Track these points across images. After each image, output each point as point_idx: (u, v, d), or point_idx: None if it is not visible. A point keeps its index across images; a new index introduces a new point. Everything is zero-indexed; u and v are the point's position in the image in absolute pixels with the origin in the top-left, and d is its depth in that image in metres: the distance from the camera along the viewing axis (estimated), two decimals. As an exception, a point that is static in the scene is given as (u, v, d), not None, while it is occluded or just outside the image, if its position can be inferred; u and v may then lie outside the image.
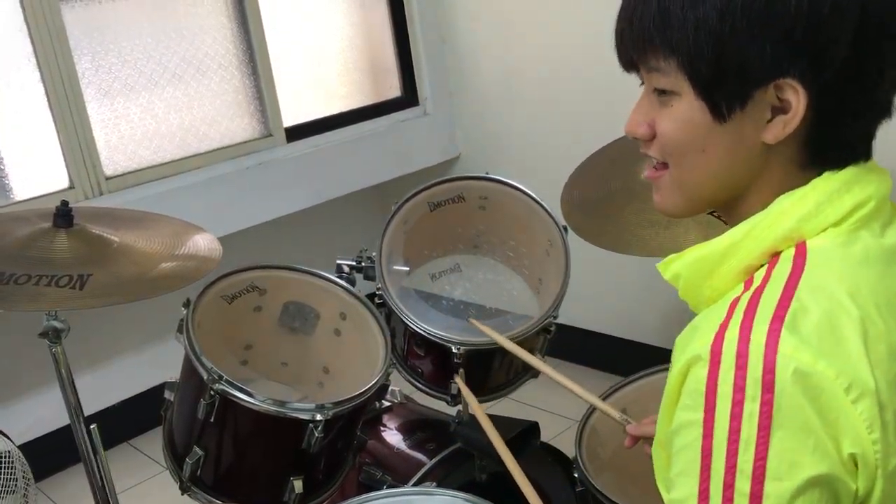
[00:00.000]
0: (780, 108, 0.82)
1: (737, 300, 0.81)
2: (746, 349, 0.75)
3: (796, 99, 0.81)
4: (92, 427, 0.99)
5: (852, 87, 0.81)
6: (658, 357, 1.72)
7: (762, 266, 0.84)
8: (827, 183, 0.83)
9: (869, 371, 0.75)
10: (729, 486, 0.75)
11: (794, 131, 0.82)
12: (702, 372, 0.77)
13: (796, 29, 0.78)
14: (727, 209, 0.91)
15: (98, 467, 1.51)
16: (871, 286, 0.80)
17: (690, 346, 0.80)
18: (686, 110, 0.85)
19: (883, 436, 0.75)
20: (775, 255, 0.84)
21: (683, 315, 0.92)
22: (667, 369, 0.94)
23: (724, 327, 0.78)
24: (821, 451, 0.74)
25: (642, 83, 0.91)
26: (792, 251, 0.83)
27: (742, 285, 0.84)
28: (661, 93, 0.87)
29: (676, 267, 0.89)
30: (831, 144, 0.84)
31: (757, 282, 0.82)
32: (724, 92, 0.83)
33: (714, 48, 0.81)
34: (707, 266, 0.86)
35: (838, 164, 0.84)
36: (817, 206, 0.82)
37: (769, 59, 0.79)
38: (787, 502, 0.74)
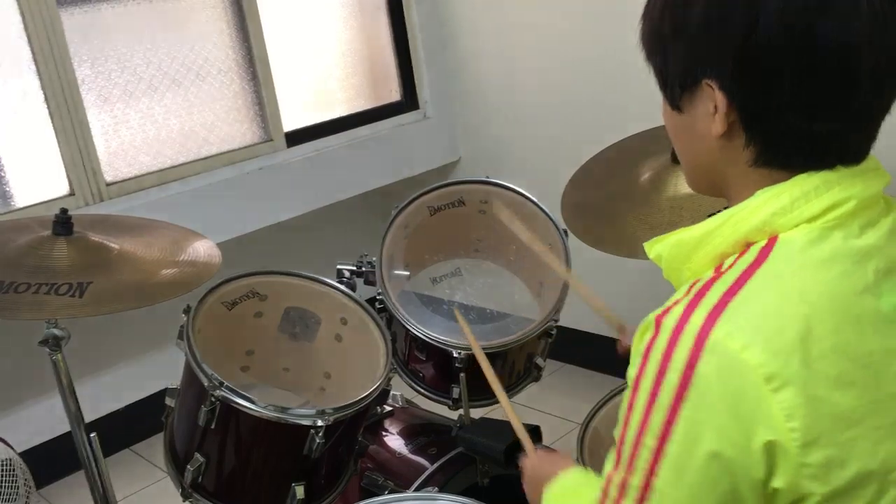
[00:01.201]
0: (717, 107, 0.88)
1: (697, 282, 0.86)
2: (683, 327, 0.81)
3: (719, 100, 0.86)
4: (92, 435, 0.99)
5: (760, 91, 0.84)
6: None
7: (735, 254, 0.88)
8: (806, 181, 0.86)
9: (800, 363, 0.78)
10: (639, 437, 0.84)
11: (735, 130, 0.88)
12: (646, 336, 0.85)
13: (701, 33, 0.86)
14: (720, 196, 0.96)
15: (98, 475, 1.51)
16: (830, 284, 0.82)
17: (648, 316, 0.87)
18: (664, 101, 0.95)
19: (806, 427, 0.78)
20: (748, 246, 0.87)
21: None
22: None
23: (675, 303, 0.85)
24: (723, 433, 0.79)
25: None
26: (763, 243, 0.86)
27: (714, 271, 0.88)
28: None
29: (659, 248, 0.95)
30: (771, 149, 0.87)
31: (724, 268, 0.87)
32: (670, 86, 0.92)
33: (655, 48, 0.92)
34: (685, 250, 0.91)
35: (807, 165, 0.87)
36: (792, 202, 0.85)
37: (687, 61, 0.88)
38: (682, 467, 0.81)
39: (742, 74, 0.84)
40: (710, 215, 0.93)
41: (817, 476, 0.79)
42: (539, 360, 1.86)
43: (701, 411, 0.80)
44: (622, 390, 1.81)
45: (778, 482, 0.80)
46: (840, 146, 0.87)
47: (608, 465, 0.89)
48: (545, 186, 1.89)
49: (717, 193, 0.96)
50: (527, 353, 1.84)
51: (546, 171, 2.42)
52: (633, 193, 1.70)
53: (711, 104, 0.87)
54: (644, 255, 1.59)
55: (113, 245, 1.44)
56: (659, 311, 0.86)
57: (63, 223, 1.40)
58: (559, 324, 1.82)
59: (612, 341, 2.85)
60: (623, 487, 0.86)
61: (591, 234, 1.70)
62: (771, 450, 0.79)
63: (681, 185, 1.66)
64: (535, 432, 1.63)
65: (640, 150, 1.79)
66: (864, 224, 0.86)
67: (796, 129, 0.85)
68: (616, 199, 1.72)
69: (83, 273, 1.34)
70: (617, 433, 0.88)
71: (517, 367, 1.86)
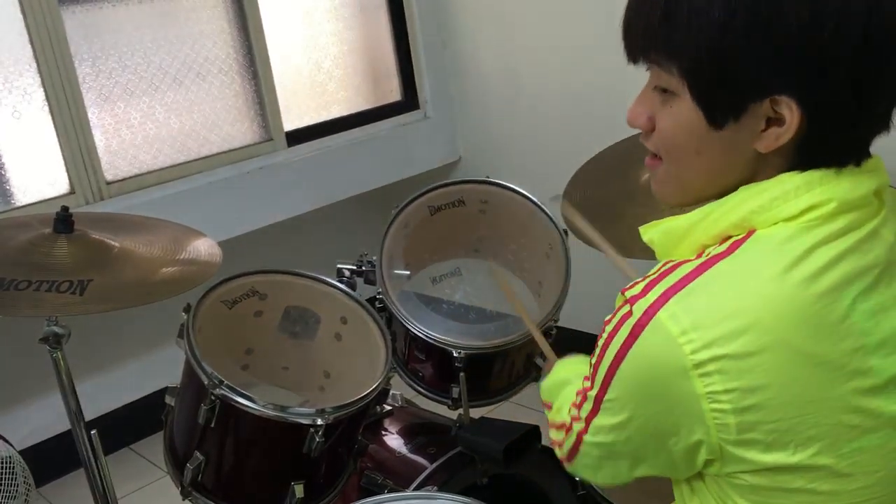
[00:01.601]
0: (775, 120, 0.84)
1: (668, 262, 0.90)
2: (638, 299, 0.86)
3: (790, 114, 0.83)
4: (93, 433, 0.99)
5: (848, 105, 0.83)
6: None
7: (714, 246, 0.90)
8: (789, 179, 0.86)
9: (739, 355, 0.80)
10: (587, 389, 0.95)
11: (788, 141, 0.85)
12: (618, 301, 0.91)
13: (796, 49, 0.80)
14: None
15: (98, 473, 1.51)
16: (793, 284, 0.82)
17: None
18: (684, 113, 0.88)
19: (733, 413, 0.82)
20: (727, 239, 0.88)
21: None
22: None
23: (643, 279, 0.89)
24: (646, 401, 0.87)
25: (648, 68, 0.93)
26: (740, 236, 0.87)
27: (694, 257, 0.90)
28: (663, 91, 0.90)
29: (651, 233, 0.97)
30: (822, 154, 0.86)
31: (702, 258, 0.89)
32: (720, 102, 0.85)
33: (713, 61, 0.83)
34: (673, 238, 0.94)
35: (823, 167, 0.87)
36: (772, 200, 0.86)
37: (766, 77, 0.82)
38: (614, 415, 0.91)
39: (838, 87, 0.81)
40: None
41: (737, 455, 0.85)
42: (539, 361, 1.86)
43: (630, 380, 0.88)
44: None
45: (706, 454, 0.87)
46: (860, 150, 0.88)
47: (580, 381, 1.00)
48: (545, 186, 1.89)
49: (715, 200, 0.94)
50: (526, 354, 1.84)
51: (546, 170, 2.42)
52: (632, 194, 1.71)
53: (764, 118, 0.84)
54: (644, 256, 1.62)
55: (113, 243, 1.44)
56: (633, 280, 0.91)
57: (64, 221, 1.40)
58: (558, 324, 1.82)
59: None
60: (584, 397, 0.97)
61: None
62: (697, 442, 0.86)
63: (681, 186, 1.66)
64: (533, 432, 1.63)
65: (640, 152, 1.79)
66: (846, 226, 0.85)
67: (846, 138, 0.86)
68: (616, 199, 1.73)
69: (84, 271, 1.34)
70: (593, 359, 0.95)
71: (517, 366, 1.86)
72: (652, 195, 1.66)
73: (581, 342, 2.84)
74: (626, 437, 0.92)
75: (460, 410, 1.76)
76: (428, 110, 3.20)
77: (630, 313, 0.87)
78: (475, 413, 1.80)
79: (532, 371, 1.88)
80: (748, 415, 0.82)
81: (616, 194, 1.74)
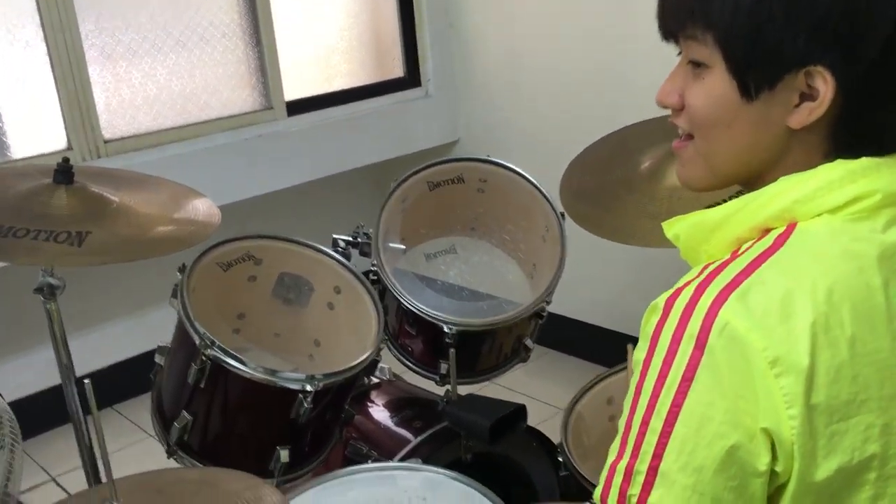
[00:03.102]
0: (809, 95, 0.84)
1: (710, 264, 0.85)
2: (693, 307, 0.80)
3: (825, 87, 0.82)
4: (86, 382, 0.99)
5: (884, 79, 0.82)
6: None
7: (752, 239, 0.87)
8: (832, 170, 0.84)
9: (807, 352, 0.77)
10: (646, 422, 0.82)
11: (820, 118, 0.84)
12: (654, 319, 0.84)
13: (832, 19, 0.80)
14: (748, 187, 0.93)
15: (86, 426, 1.51)
16: (846, 277, 0.80)
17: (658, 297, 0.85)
18: (717, 85, 0.87)
19: (804, 414, 0.77)
20: (766, 231, 0.86)
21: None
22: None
23: (686, 284, 0.83)
24: (731, 415, 0.78)
25: (679, 53, 0.93)
26: (781, 230, 0.84)
27: (730, 254, 0.87)
28: (696, 65, 0.89)
29: (677, 228, 0.93)
30: (857, 134, 0.85)
31: (740, 252, 0.85)
32: (755, 72, 0.84)
33: (750, 30, 0.83)
34: (703, 231, 0.90)
35: (860, 153, 0.85)
36: (815, 191, 0.83)
37: (802, 47, 0.81)
38: (690, 450, 0.79)
39: (874, 62, 0.80)
40: (715, 204, 0.92)
41: (807, 465, 0.79)
42: (528, 342, 1.87)
43: (709, 392, 0.79)
44: (607, 377, 1.83)
45: (778, 466, 0.79)
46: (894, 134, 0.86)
47: (611, 456, 0.86)
48: (544, 170, 1.89)
49: (744, 185, 0.93)
50: (517, 334, 1.85)
51: (546, 155, 2.42)
52: (632, 180, 1.71)
53: (797, 92, 0.83)
54: (641, 243, 1.63)
55: (113, 197, 1.44)
56: (669, 292, 0.84)
57: (64, 172, 1.39)
58: (548, 310, 1.83)
59: (599, 330, 2.88)
60: (628, 474, 0.83)
61: (588, 218, 1.70)
62: (769, 436, 0.78)
63: (681, 176, 1.67)
64: (520, 412, 1.64)
65: (641, 138, 1.80)
66: (889, 220, 0.84)
67: (883, 117, 0.84)
68: (615, 185, 1.73)
69: (82, 223, 1.34)
70: (622, 421, 0.85)
71: (506, 347, 1.87)
72: (651, 182, 1.69)
73: (573, 329, 2.87)
74: (707, 476, 0.80)
75: (448, 386, 1.77)
76: (430, 89, 3.19)
77: (685, 323, 0.80)
78: (461, 391, 1.80)
79: (520, 352, 1.89)
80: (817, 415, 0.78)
81: (615, 182, 1.74)
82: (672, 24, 0.90)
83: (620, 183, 1.71)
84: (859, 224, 0.83)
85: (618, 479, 0.84)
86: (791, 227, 0.84)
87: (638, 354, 0.85)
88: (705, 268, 0.85)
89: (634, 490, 0.82)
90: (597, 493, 0.87)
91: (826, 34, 0.80)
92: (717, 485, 0.79)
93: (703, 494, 0.79)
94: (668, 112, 0.95)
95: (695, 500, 0.80)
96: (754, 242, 0.86)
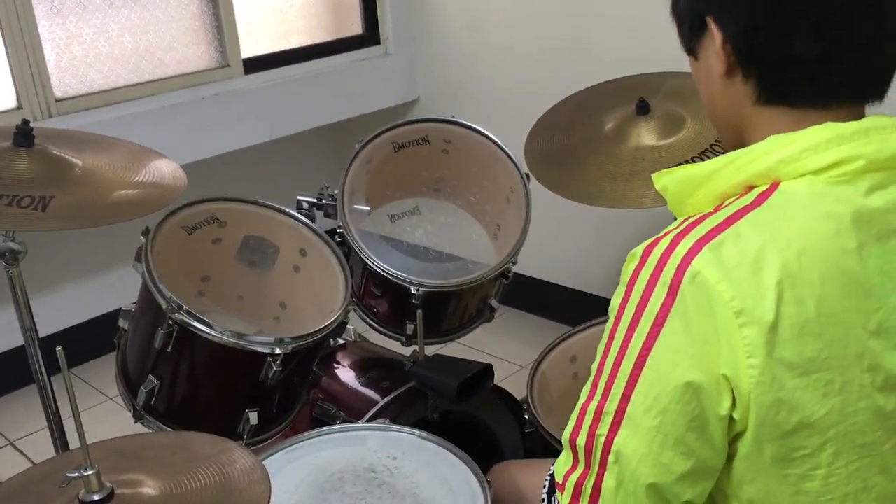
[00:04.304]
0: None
1: (690, 217, 0.88)
2: (668, 256, 0.84)
3: (716, 35, 0.90)
4: (58, 349, 0.98)
5: (749, 20, 0.88)
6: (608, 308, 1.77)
7: (735, 195, 0.90)
8: (820, 132, 0.86)
9: (772, 306, 0.80)
10: (617, 365, 0.86)
11: (735, 66, 0.91)
12: (631, 266, 0.88)
13: None
14: (738, 144, 0.96)
15: (52, 390, 1.50)
16: (821, 238, 0.83)
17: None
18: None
19: (764, 365, 0.81)
20: (750, 188, 0.89)
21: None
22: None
23: (665, 234, 0.87)
24: (697, 360, 0.82)
25: None
26: (764, 188, 0.87)
27: (713, 208, 0.90)
28: None
29: (666, 180, 0.96)
30: (770, 81, 0.90)
31: (723, 206, 0.88)
32: (682, 32, 0.97)
33: None
34: (690, 185, 0.93)
35: (801, 104, 0.89)
36: (801, 151, 0.86)
37: (692, 2, 0.93)
38: (656, 393, 0.84)
39: (731, 3, 0.88)
40: (685, 161, 0.96)
41: (765, 416, 0.82)
42: (493, 302, 1.89)
43: (679, 338, 0.83)
44: (570, 336, 1.86)
45: (736, 414, 0.83)
46: (843, 76, 0.88)
47: (583, 397, 0.91)
48: (505, 131, 1.89)
49: (739, 143, 0.96)
50: (482, 295, 1.87)
51: (507, 115, 2.43)
52: (596, 142, 1.72)
53: (713, 43, 0.91)
54: (603, 204, 1.65)
55: (75, 160, 1.41)
56: (648, 241, 0.87)
57: (25, 134, 1.36)
58: (515, 270, 1.85)
59: (562, 289, 2.92)
60: (598, 414, 0.88)
61: (552, 179, 1.72)
62: (728, 383, 0.82)
63: (644, 136, 1.69)
64: (487, 371, 1.66)
65: (605, 99, 1.81)
66: (873, 185, 0.86)
67: (794, 58, 0.87)
68: (579, 146, 1.74)
69: (45, 187, 1.31)
70: (595, 364, 0.90)
71: (470, 308, 1.89)
72: (614, 144, 1.70)
73: (536, 289, 2.90)
74: (671, 418, 0.84)
75: (414, 347, 1.78)
76: (389, 47, 3.16)
77: (659, 271, 0.84)
78: (429, 351, 1.82)
79: (485, 312, 1.91)
80: (779, 369, 0.81)
81: (579, 141, 1.76)
82: None
83: (583, 144, 1.73)
84: (840, 187, 0.85)
85: (588, 420, 0.89)
86: (774, 186, 0.87)
87: (614, 300, 0.89)
88: (686, 220, 0.88)
89: (602, 430, 0.87)
90: (566, 433, 0.92)
91: None
92: (681, 426, 0.83)
93: (666, 435, 0.84)
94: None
95: (658, 441, 0.84)
96: (737, 198, 0.88)
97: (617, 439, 0.86)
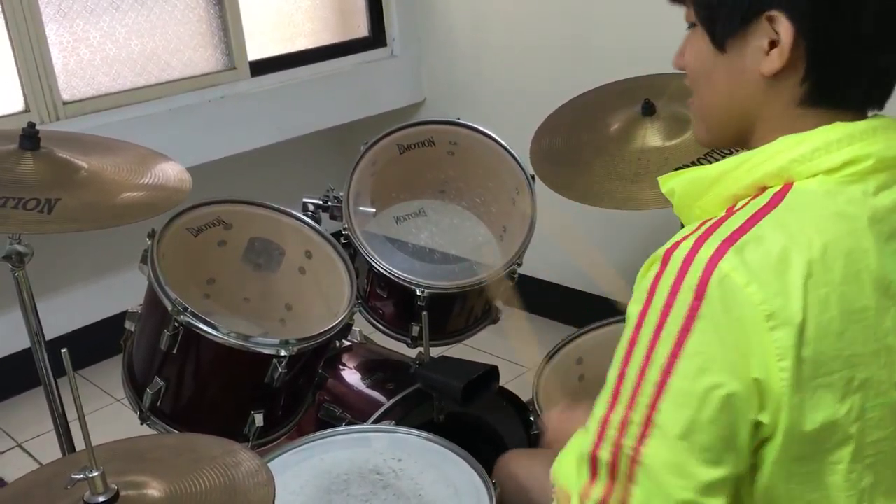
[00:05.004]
0: (777, 42, 0.86)
1: (708, 220, 0.86)
2: (692, 259, 0.82)
3: (784, 32, 0.84)
4: (63, 351, 0.98)
5: (843, 27, 0.84)
6: (614, 310, 1.76)
7: (748, 197, 0.88)
8: (830, 132, 0.86)
9: (800, 307, 0.79)
10: (642, 373, 0.83)
11: (791, 66, 0.86)
12: (651, 271, 0.85)
13: None
14: (742, 145, 0.95)
15: (58, 392, 1.50)
16: (839, 237, 0.83)
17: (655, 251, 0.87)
18: (698, 40, 0.92)
19: (794, 367, 0.79)
20: (762, 189, 0.88)
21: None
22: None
23: (684, 238, 0.84)
24: (728, 365, 0.80)
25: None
26: (777, 188, 0.86)
27: (725, 211, 0.88)
28: (690, 25, 0.94)
29: (673, 183, 0.94)
30: (829, 84, 0.87)
31: (736, 208, 0.87)
32: (721, 23, 0.89)
33: None
34: (699, 187, 0.92)
35: (841, 107, 0.87)
36: (813, 151, 0.85)
37: None
38: (685, 401, 0.81)
39: (821, 4, 0.83)
40: (691, 163, 0.94)
41: (795, 418, 0.81)
42: (498, 303, 1.88)
43: (706, 343, 0.80)
44: (576, 337, 1.86)
45: (764, 418, 0.81)
46: (881, 89, 0.88)
47: (601, 408, 0.87)
48: (511, 132, 1.89)
49: (738, 143, 0.95)
50: (486, 298, 1.87)
51: (513, 116, 2.42)
52: (601, 143, 1.72)
53: (766, 39, 0.86)
54: (609, 205, 1.64)
55: (81, 163, 1.41)
56: (667, 245, 0.85)
57: (30, 137, 1.36)
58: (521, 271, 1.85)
59: (568, 291, 2.91)
60: (623, 425, 0.84)
61: (558, 180, 1.72)
62: (759, 387, 0.80)
63: (649, 138, 1.69)
64: (493, 373, 1.66)
65: (611, 101, 1.81)
66: (881, 184, 0.86)
67: (865, 63, 0.85)
68: (584, 147, 1.74)
69: (51, 189, 1.31)
70: (614, 373, 0.86)
71: (476, 309, 1.89)
72: (619, 145, 1.70)
73: (542, 291, 2.88)
74: (702, 426, 0.81)
75: (420, 348, 1.78)
76: (395, 49, 3.16)
77: (683, 275, 0.81)
78: (434, 353, 1.82)
79: (490, 315, 1.91)
80: (806, 367, 0.80)
81: (584, 143, 1.76)
82: None
83: (589, 146, 1.73)
84: (852, 186, 0.85)
85: (611, 432, 0.85)
86: (788, 186, 0.86)
87: (632, 307, 0.85)
88: (703, 223, 0.86)
89: (629, 441, 0.83)
90: (585, 447, 0.87)
91: None
92: (711, 434, 0.81)
93: (694, 444, 0.81)
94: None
95: (687, 449, 0.81)
96: (750, 199, 0.87)
97: (644, 450, 0.83)
